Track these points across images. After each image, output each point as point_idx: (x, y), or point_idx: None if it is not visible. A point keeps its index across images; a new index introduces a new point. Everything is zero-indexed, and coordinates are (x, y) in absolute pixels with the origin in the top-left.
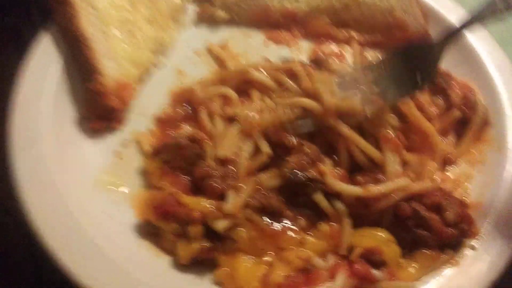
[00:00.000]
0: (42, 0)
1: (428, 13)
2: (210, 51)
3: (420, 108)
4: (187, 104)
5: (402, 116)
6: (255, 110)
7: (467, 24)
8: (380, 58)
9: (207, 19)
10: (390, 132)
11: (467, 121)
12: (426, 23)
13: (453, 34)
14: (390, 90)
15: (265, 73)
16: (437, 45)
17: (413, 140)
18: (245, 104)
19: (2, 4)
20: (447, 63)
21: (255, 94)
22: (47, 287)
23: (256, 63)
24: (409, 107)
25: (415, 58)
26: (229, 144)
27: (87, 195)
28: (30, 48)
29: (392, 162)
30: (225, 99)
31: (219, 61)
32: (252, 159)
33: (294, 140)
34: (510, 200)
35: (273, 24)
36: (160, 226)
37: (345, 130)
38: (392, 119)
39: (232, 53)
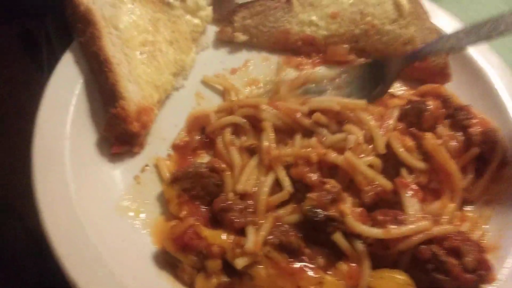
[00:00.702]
0: (56, 7)
1: None
2: (205, 83)
3: (442, 143)
4: (202, 131)
5: (425, 153)
6: (274, 142)
7: (428, 49)
8: (350, 67)
9: (226, 41)
10: (406, 176)
11: (486, 159)
12: (447, 55)
13: (413, 56)
14: (353, 94)
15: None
16: (397, 62)
17: (433, 178)
18: (264, 135)
19: (16, 10)
20: (467, 98)
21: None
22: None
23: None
24: (437, 145)
25: (378, 71)
26: (248, 177)
27: (106, 220)
28: (51, 68)
29: (412, 206)
30: (239, 128)
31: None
32: (272, 195)
33: (315, 177)
34: None
35: (293, 48)
36: (179, 258)
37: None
38: (416, 161)
39: (231, 84)
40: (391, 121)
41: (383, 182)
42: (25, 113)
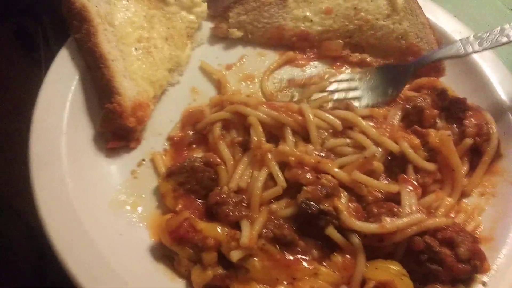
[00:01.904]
0: (52, 4)
1: (442, 40)
2: (202, 69)
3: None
4: (195, 127)
5: (430, 150)
6: (263, 136)
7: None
8: (362, 71)
9: (221, 37)
10: (411, 175)
11: (480, 152)
12: None
13: (423, 62)
14: (365, 97)
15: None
16: (408, 68)
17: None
18: (253, 131)
19: (12, 7)
20: (463, 91)
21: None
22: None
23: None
24: (446, 136)
25: (390, 75)
26: (242, 173)
27: (103, 214)
28: (48, 66)
29: (408, 199)
30: (230, 124)
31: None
32: (266, 189)
33: (310, 176)
34: None
35: (287, 44)
36: (175, 251)
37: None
38: (427, 163)
39: (225, 78)
40: (395, 122)
41: (387, 188)
42: (23, 111)
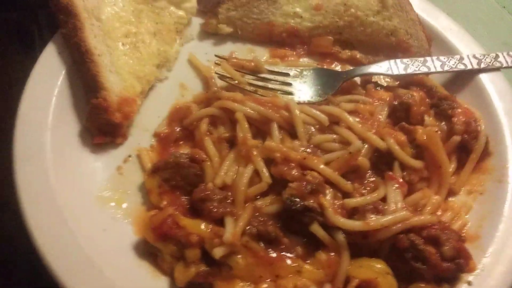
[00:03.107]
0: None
1: (432, 36)
2: (191, 63)
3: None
4: (182, 123)
5: (417, 147)
6: (249, 132)
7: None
8: (298, 70)
9: (211, 33)
10: (397, 172)
11: (469, 149)
12: (430, 47)
13: (354, 74)
14: (296, 94)
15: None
16: (341, 75)
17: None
18: (239, 126)
19: (6, 3)
20: (452, 89)
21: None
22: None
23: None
24: (433, 132)
25: (323, 78)
26: (228, 169)
27: (87, 210)
28: (36, 59)
29: (394, 196)
30: (217, 120)
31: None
32: (252, 186)
33: (295, 172)
34: (509, 235)
35: (277, 41)
36: (159, 247)
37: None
38: (413, 160)
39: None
40: (382, 118)
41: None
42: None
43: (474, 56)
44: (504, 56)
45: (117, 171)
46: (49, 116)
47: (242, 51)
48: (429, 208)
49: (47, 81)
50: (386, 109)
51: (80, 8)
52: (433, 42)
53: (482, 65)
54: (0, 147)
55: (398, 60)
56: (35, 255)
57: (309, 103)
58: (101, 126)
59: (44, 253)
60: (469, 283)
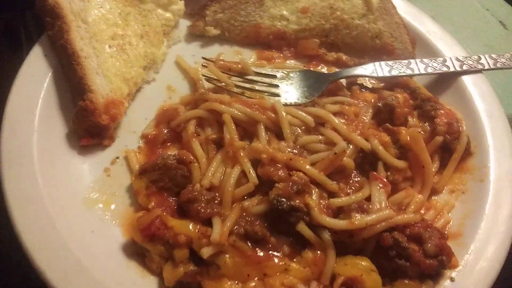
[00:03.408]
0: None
1: (416, 39)
2: (178, 65)
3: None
4: (169, 125)
5: (401, 147)
6: (235, 134)
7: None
8: (285, 72)
9: (198, 35)
10: (381, 172)
11: (450, 150)
12: (414, 49)
13: (340, 75)
14: (283, 96)
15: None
16: (327, 78)
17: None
18: (225, 128)
19: None
20: (435, 91)
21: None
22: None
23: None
24: (416, 133)
25: (309, 81)
26: (215, 170)
27: (75, 213)
28: (22, 60)
29: (378, 196)
30: (205, 122)
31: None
32: (238, 186)
33: (282, 173)
34: (490, 232)
35: (264, 43)
36: (147, 248)
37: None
38: (397, 160)
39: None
40: (366, 119)
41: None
42: None
43: (457, 59)
44: (486, 58)
45: (105, 172)
46: (35, 118)
47: (229, 53)
48: (412, 207)
49: (33, 83)
50: (370, 110)
51: (66, 10)
52: (417, 45)
53: (465, 67)
54: None
55: (382, 63)
56: (27, 259)
57: (296, 105)
58: (88, 128)
59: (33, 255)
60: (452, 279)
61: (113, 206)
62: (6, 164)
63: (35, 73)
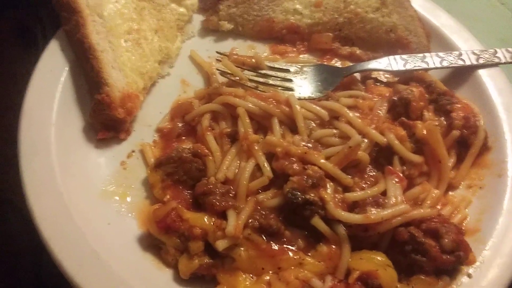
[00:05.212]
0: None
1: (431, 32)
2: (192, 60)
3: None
4: (184, 119)
5: (417, 141)
6: (250, 127)
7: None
8: (298, 66)
9: (212, 30)
10: (397, 166)
11: (468, 144)
12: (429, 43)
13: (354, 69)
14: (297, 90)
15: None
16: (341, 71)
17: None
18: (240, 122)
19: (10, 1)
20: (451, 85)
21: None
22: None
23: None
24: (433, 126)
25: (323, 75)
26: (230, 163)
27: (92, 205)
28: (39, 56)
29: (393, 190)
30: (219, 115)
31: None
32: (253, 180)
33: (296, 166)
34: (508, 228)
35: (278, 37)
36: (162, 240)
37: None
38: (413, 155)
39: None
40: (381, 113)
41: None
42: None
43: (473, 52)
44: (502, 52)
45: (121, 166)
46: (53, 112)
47: (243, 48)
48: (428, 202)
49: (50, 78)
50: (385, 104)
51: (82, 5)
52: (432, 38)
53: (481, 61)
54: (2, 144)
55: (397, 56)
56: (39, 252)
57: (310, 99)
58: (105, 121)
59: (51, 247)
60: (469, 275)
61: (129, 199)
62: (25, 157)
63: (52, 68)
